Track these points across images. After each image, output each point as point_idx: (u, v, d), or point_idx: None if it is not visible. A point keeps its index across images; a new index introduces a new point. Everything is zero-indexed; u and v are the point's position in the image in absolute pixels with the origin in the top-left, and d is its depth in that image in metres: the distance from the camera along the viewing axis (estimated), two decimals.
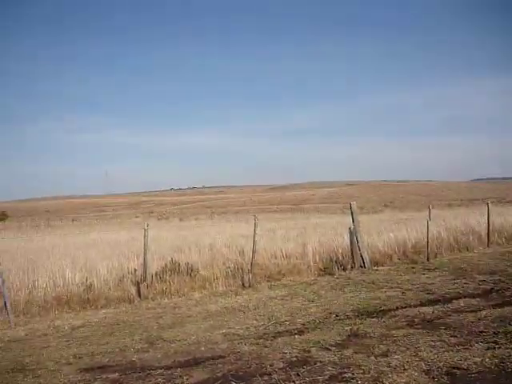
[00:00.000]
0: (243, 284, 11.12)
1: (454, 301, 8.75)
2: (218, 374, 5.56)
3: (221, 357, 6.25)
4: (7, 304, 9.21)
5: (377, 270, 12.50)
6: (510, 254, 14.13)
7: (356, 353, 5.95)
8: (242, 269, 11.75)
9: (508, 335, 6.15)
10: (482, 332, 6.47)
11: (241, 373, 5.54)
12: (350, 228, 12.98)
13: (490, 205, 16.99)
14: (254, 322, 8.06)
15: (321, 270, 12.39)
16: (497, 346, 5.76)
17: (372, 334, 6.79)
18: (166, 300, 10.33)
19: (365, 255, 12.78)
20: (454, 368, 5.14)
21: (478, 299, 8.84)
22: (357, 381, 4.98)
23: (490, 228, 16.42)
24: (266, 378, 5.25)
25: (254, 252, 11.60)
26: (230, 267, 11.93)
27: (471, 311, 7.81)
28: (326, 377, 5.18)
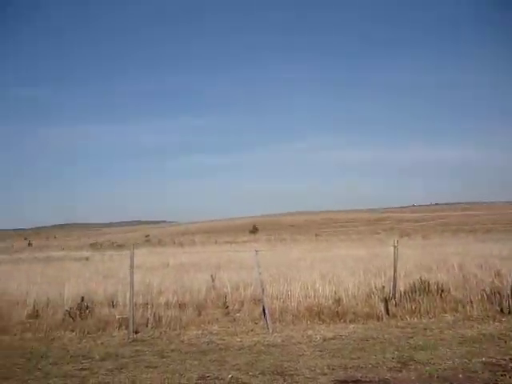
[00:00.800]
0: (501, 310, 10.14)
1: None
2: None
3: None
4: (266, 311, 10.03)
5: None
6: None
7: None
8: (499, 293, 10.74)
9: None
10: None
11: None
12: None
13: None
14: None
15: None
16: None
17: None
18: (415, 320, 10.01)
19: None
20: None
21: None
22: None
23: None
24: None
25: None
26: (485, 290, 11.01)
27: None
28: None
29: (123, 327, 10.21)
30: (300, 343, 8.69)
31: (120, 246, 59.73)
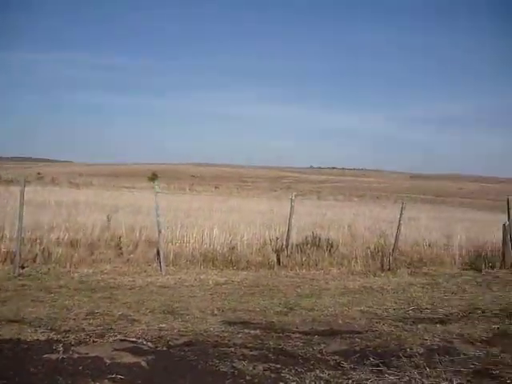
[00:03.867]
0: (382, 266, 10.95)
1: None
2: (356, 348, 5.57)
3: (358, 332, 6.26)
4: (161, 254, 10.03)
5: None
6: None
7: (504, 352, 5.59)
8: (382, 251, 11.56)
9: None
10: None
11: (379, 350, 5.50)
12: (504, 224, 12.11)
13: None
14: (393, 304, 7.93)
15: (466, 263, 11.77)
16: None
17: None
18: (304, 271, 10.53)
19: None
20: None
21: None
22: (505, 379, 4.70)
23: None
24: (405, 359, 5.14)
25: (397, 235, 11.36)
26: (369, 248, 11.79)
27: None
28: (471, 370, 4.93)
29: (9, 261, 9.76)
30: (192, 286, 8.84)
31: (7, 182, 56.30)
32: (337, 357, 5.21)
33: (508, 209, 12.18)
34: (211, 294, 8.21)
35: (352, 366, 4.93)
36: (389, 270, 10.78)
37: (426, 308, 7.79)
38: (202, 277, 9.60)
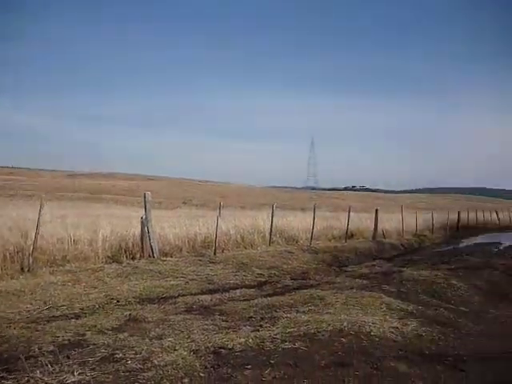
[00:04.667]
0: (22, 268, 10.41)
1: (231, 290, 9.43)
2: None
3: None
4: None
5: (165, 260, 12.75)
6: (286, 252, 15.63)
7: (131, 336, 6.02)
8: (22, 252, 10.98)
9: (272, 320, 6.81)
10: (251, 317, 7.09)
11: (5, 356, 5.24)
12: (141, 218, 13.02)
13: (274, 209, 18.34)
14: (29, 306, 7.68)
15: (109, 257, 12.21)
16: (261, 328, 6.35)
17: (150, 319, 6.96)
18: None
19: (154, 246, 12.95)
20: (220, 348, 5.53)
21: (253, 289, 9.66)
22: (127, 361, 5.05)
23: (273, 229, 17.83)
24: (32, 360, 5.02)
25: (36, 234, 10.92)
26: (8, 250, 11.04)
27: (245, 299, 8.49)
28: (98, 358, 5.15)
29: None
30: None
31: None
32: None
33: (145, 203, 13.16)
34: None
35: None
36: (29, 271, 10.32)
37: (63, 305, 7.81)
38: None
